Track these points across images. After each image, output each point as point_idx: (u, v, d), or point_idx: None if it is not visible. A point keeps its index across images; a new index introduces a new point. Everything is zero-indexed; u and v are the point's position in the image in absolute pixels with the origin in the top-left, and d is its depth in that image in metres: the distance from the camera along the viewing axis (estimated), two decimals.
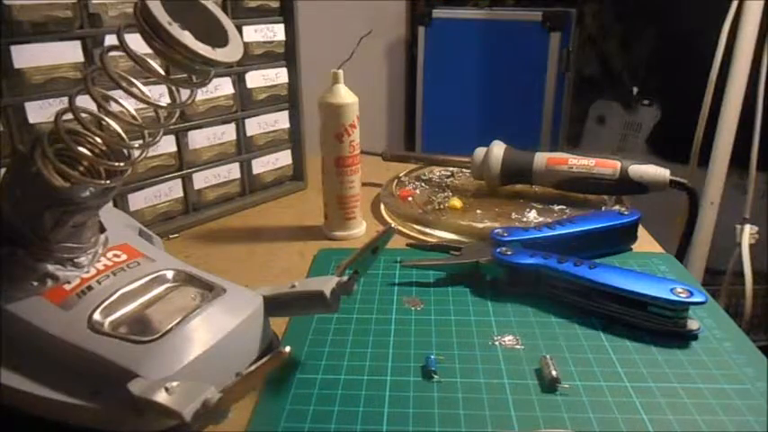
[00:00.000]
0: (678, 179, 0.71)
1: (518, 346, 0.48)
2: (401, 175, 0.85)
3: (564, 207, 0.73)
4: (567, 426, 0.39)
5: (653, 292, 0.48)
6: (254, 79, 0.76)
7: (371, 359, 0.46)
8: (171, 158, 0.70)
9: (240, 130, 0.76)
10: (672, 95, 1.98)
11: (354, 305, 0.54)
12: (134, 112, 0.44)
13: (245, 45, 0.73)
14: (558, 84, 2.08)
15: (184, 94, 0.43)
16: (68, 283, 0.41)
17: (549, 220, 0.66)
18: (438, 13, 2.18)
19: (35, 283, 0.41)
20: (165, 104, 0.42)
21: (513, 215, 0.71)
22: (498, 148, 0.77)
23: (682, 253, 0.77)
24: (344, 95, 0.64)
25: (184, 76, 0.40)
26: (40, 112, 0.56)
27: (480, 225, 0.67)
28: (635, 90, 2.07)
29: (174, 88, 0.43)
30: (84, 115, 0.40)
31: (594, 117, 2.23)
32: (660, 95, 2.05)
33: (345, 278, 0.44)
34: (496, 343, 0.48)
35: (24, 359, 0.38)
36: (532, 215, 0.71)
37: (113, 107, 0.43)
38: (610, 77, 2.17)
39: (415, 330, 0.50)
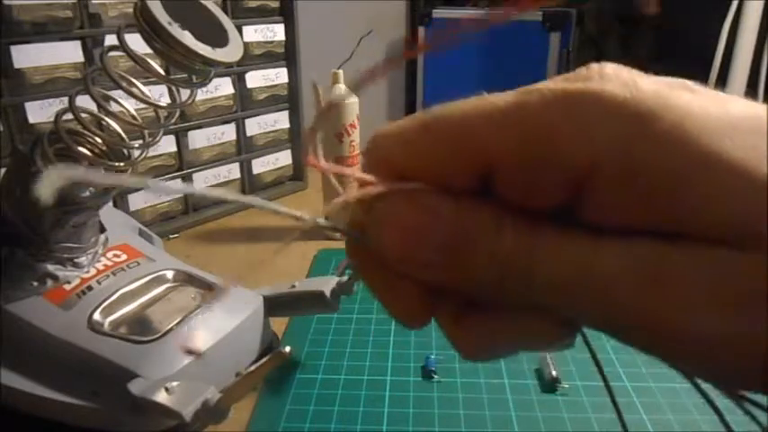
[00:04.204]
0: None
1: None
2: None
3: None
4: (567, 426, 0.39)
5: None
6: (254, 79, 0.76)
7: (371, 359, 0.46)
8: (171, 158, 0.70)
9: (240, 130, 0.76)
10: None
11: (354, 305, 0.54)
12: (134, 112, 0.44)
13: (245, 45, 0.73)
14: None
15: (184, 94, 0.43)
16: (68, 283, 0.41)
17: None
18: (438, 13, 2.18)
19: (35, 283, 0.41)
20: (165, 104, 0.41)
21: None
22: None
23: None
24: (344, 95, 0.64)
25: (184, 76, 0.40)
26: (40, 112, 0.56)
27: None
28: None
29: (174, 88, 0.43)
30: (84, 115, 0.40)
31: None
32: None
33: (345, 278, 0.44)
34: None
35: (24, 359, 0.38)
36: None
37: (113, 107, 0.43)
38: None
39: (415, 330, 0.50)
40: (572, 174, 0.14)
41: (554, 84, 0.15)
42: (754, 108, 0.14)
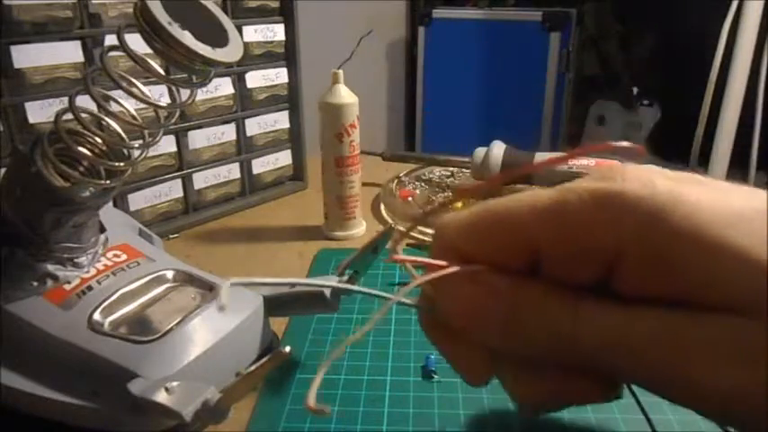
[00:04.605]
0: None
1: None
2: (401, 175, 0.85)
3: None
4: (568, 426, 0.39)
5: None
6: (254, 79, 0.76)
7: (371, 359, 0.46)
8: (171, 158, 0.70)
9: (240, 130, 0.76)
10: (672, 95, 1.98)
11: (354, 305, 0.54)
12: (134, 112, 0.44)
13: (245, 45, 0.73)
14: (558, 84, 2.08)
15: (184, 94, 0.43)
16: (68, 283, 0.41)
17: None
18: (438, 13, 2.18)
19: (35, 283, 0.41)
20: (165, 104, 0.42)
21: None
22: (498, 149, 0.77)
23: None
24: (344, 95, 0.64)
25: (184, 76, 0.40)
26: (40, 112, 0.56)
27: None
28: (635, 90, 2.07)
29: (174, 88, 0.43)
30: (84, 115, 0.40)
31: (594, 117, 2.23)
32: (660, 95, 2.05)
33: (345, 278, 0.44)
34: None
35: (24, 359, 0.38)
36: None
37: (113, 107, 0.43)
38: (610, 77, 2.17)
39: (415, 330, 0.50)
40: (604, 257, 0.17)
41: (587, 183, 0.18)
42: (753, 198, 0.17)
